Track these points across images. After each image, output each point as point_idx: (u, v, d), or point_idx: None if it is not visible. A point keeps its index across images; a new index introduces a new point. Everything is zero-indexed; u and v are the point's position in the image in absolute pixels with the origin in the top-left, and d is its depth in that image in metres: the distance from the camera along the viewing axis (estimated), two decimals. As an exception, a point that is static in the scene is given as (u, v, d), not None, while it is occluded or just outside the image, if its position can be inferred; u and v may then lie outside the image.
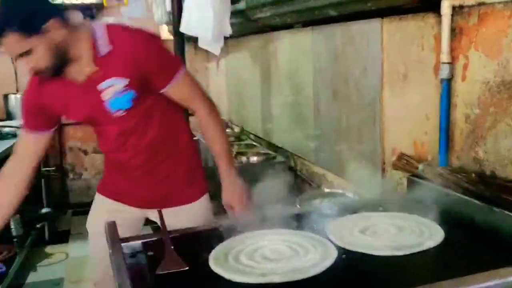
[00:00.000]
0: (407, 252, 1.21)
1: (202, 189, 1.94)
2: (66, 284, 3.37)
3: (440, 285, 0.98)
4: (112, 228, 1.43)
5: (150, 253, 1.33)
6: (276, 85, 3.15)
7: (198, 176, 1.94)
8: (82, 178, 5.05)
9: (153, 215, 1.85)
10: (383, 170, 2.03)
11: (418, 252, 1.21)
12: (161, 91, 1.71)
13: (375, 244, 1.25)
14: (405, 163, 1.75)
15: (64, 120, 1.86)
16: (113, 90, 1.63)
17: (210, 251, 1.27)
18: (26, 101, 1.80)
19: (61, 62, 1.57)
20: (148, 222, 2.00)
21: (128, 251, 1.39)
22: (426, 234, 1.29)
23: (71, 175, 5.01)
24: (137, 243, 1.40)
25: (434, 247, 1.23)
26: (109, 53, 1.61)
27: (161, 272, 1.19)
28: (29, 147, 1.81)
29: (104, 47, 1.61)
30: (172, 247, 1.30)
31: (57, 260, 3.76)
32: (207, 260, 1.22)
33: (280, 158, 3.00)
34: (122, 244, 1.38)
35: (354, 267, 1.18)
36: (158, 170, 1.84)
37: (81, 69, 1.63)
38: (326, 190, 2.26)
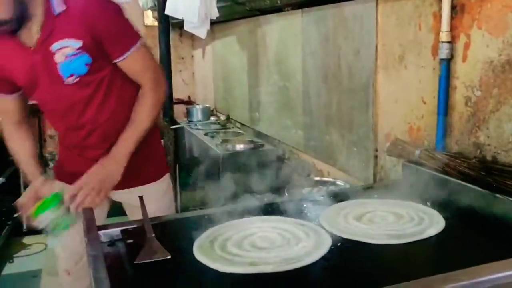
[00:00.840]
0: (407, 240, 1.13)
1: (162, 168, 1.93)
2: (44, 276, 3.25)
3: (447, 277, 0.89)
4: (88, 214, 1.32)
5: (130, 241, 1.22)
6: (264, 71, 3.04)
7: (158, 155, 1.91)
8: (62, 167, 4.90)
9: (117, 196, 1.84)
10: (376, 157, 1.95)
11: (419, 241, 1.13)
12: (116, 62, 1.64)
13: (372, 232, 1.17)
14: (400, 148, 1.66)
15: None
16: (66, 52, 1.57)
17: (194, 239, 1.17)
18: None
19: (20, 16, 1.52)
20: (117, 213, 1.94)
21: (106, 239, 1.29)
22: (426, 222, 1.21)
23: (51, 164, 4.85)
24: (116, 230, 1.30)
25: (435, 235, 1.15)
26: (63, 13, 1.56)
27: (141, 261, 1.09)
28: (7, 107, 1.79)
29: (58, 6, 1.56)
30: (153, 234, 1.20)
31: (35, 251, 3.63)
32: (191, 248, 1.13)
33: (268, 147, 2.91)
34: (99, 232, 1.28)
35: (350, 256, 1.09)
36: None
37: (35, 28, 1.57)
38: (316, 178, 2.17)
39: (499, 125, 1.37)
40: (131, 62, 1.65)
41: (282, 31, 2.74)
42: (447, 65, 1.52)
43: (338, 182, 2.09)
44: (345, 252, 1.10)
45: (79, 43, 1.56)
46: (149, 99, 1.70)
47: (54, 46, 1.56)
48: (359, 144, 2.03)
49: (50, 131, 4.79)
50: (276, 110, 2.88)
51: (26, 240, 3.82)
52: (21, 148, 1.80)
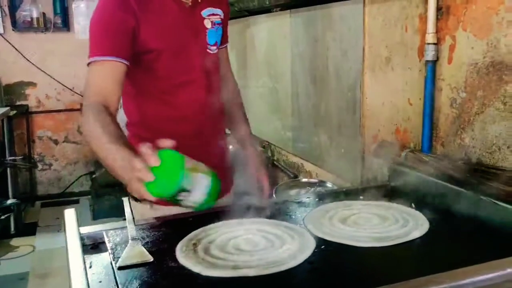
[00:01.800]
0: (391, 243, 1.12)
1: (232, 181, 1.71)
2: (31, 278, 3.22)
3: (429, 280, 0.89)
4: (70, 216, 1.31)
5: (113, 243, 1.21)
6: (253, 72, 3.04)
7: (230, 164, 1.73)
8: (51, 169, 4.87)
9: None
10: (363, 158, 1.95)
11: (403, 243, 1.12)
12: (222, 47, 1.64)
13: (357, 234, 1.16)
14: (386, 150, 1.66)
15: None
16: (214, 19, 1.54)
17: (178, 242, 1.16)
18: (110, 18, 1.38)
19: None
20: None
21: (89, 241, 1.28)
22: (411, 224, 1.21)
23: (40, 166, 4.82)
24: (99, 232, 1.29)
25: (419, 238, 1.15)
26: None
27: (122, 265, 1.08)
28: (106, 79, 1.35)
29: None
30: (137, 237, 1.19)
31: (23, 253, 3.60)
32: (174, 251, 1.12)
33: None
34: (82, 234, 1.27)
35: (335, 259, 1.08)
36: (210, 149, 1.55)
37: None
38: (304, 180, 2.17)
39: (484, 127, 1.38)
40: (225, 52, 1.68)
41: (271, 32, 2.74)
42: (432, 67, 1.53)
43: (327, 184, 2.09)
44: (330, 255, 1.09)
45: (221, 14, 1.56)
46: (238, 92, 1.73)
47: (205, 12, 1.52)
48: (347, 146, 2.03)
49: (38, 132, 4.76)
50: (265, 111, 2.88)
51: (14, 242, 3.79)
52: (104, 132, 1.26)
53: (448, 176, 1.39)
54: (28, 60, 4.55)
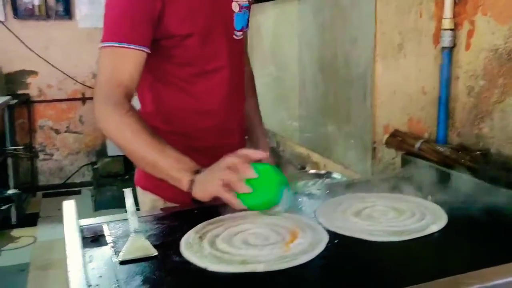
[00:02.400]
0: (408, 237, 1.06)
1: None
2: (31, 269, 3.17)
3: (461, 280, 0.83)
4: (69, 207, 1.25)
5: (114, 236, 1.15)
6: (259, 61, 2.97)
7: None
8: (53, 159, 4.81)
9: None
10: (374, 149, 1.89)
11: (421, 237, 1.06)
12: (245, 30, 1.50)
13: (372, 228, 1.10)
14: (400, 140, 1.60)
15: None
16: (241, 2, 1.40)
17: (182, 235, 1.10)
18: (136, 3, 1.25)
19: None
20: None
21: (89, 234, 1.23)
22: (428, 218, 1.14)
23: (41, 155, 4.77)
24: (99, 224, 1.23)
25: (438, 232, 1.09)
26: None
27: (124, 259, 1.02)
28: (128, 68, 1.24)
29: None
30: (140, 230, 1.13)
31: (24, 244, 3.55)
32: (178, 245, 1.06)
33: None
34: (81, 226, 1.21)
35: (349, 254, 1.02)
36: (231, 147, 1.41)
37: None
38: (312, 171, 2.11)
39: (504, 117, 1.31)
40: (245, 35, 1.54)
41: (278, 20, 2.67)
42: (449, 53, 1.46)
43: (335, 175, 2.03)
44: (343, 250, 1.03)
45: None
46: (253, 78, 1.65)
47: None
48: (357, 136, 1.97)
49: (40, 121, 4.70)
50: (271, 101, 2.81)
51: (15, 233, 3.74)
52: (147, 135, 1.19)
53: (466, 167, 1.33)
54: (30, 49, 4.49)
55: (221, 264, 0.96)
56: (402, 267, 0.98)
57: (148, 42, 1.25)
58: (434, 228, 1.09)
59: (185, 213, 1.27)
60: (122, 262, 1.01)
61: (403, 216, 1.16)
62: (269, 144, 1.62)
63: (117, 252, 1.05)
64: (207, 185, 1.07)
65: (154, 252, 1.03)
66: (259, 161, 1.10)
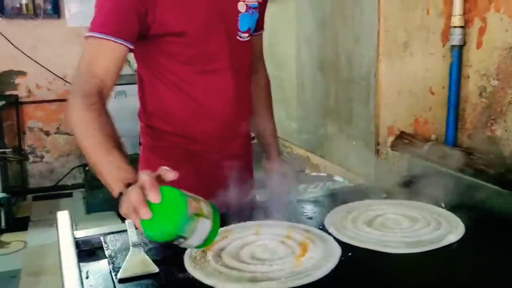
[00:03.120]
0: (425, 249, 1.00)
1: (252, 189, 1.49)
2: (23, 276, 3.08)
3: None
4: (63, 218, 1.18)
5: (113, 249, 1.08)
6: (254, 60, 2.90)
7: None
8: (43, 161, 4.71)
9: None
10: (378, 151, 1.82)
11: (438, 249, 1.00)
12: (256, 34, 1.44)
13: (386, 239, 1.04)
14: (406, 142, 1.54)
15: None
16: (249, 3, 1.33)
17: (185, 249, 1.03)
18: None
19: None
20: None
21: (86, 247, 1.15)
22: (444, 227, 1.09)
23: (31, 158, 4.66)
24: (97, 236, 1.16)
25: (456, 242, 1.03)
26: None
27: (123, 277, 0.95)
28: (105, 60, 1.18)
29: None
30: (139, 242, 1.06)
31: (14, 249, 3.45)
32: (182, 260, 0.99)
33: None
34: (77, 238, 1.14)
35: (364, 267, 0.96)
36: (232, 153, 1.38)
37: None
38: (313, 174, 2.04)
39: (519, 118, 1.25)
40: (260, 40, 1.49)
41: (275, 16, 2.59)
42: (459, 52, 1.40)
43: (336, 178, 1.96)
44: (358, 263, 0.97)
45: None
46: (269, 93, 1.56)
47: None
48: (359, 138, 1.90)
49: (29, 123, 4.60)
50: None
51: (5, 238, 3.64)
52: (100, 133, 1.09)
53: (479, 172, 1.27)
54: (18, 48, 4.38)
55: (230, 282, 0.89)
56: (421, 282, 0.92)
57: (132, 37, 1.20)
58: (452, 238, 1.03)
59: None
60: (121, 280, 0.94)
61: (418, 225, 1.10)
62: (281, 159, 1.55)
63: (115, 268, 0.98)
64: (123, 203, 0.92)
65: (155, 269, 0.96)
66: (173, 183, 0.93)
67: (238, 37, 1.33)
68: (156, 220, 0.86)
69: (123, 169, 1.00)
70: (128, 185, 0.94)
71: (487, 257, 0.99)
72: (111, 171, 1.01)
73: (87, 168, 4.42)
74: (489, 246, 1.03)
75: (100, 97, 1.15)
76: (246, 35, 1.35)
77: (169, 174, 0.93)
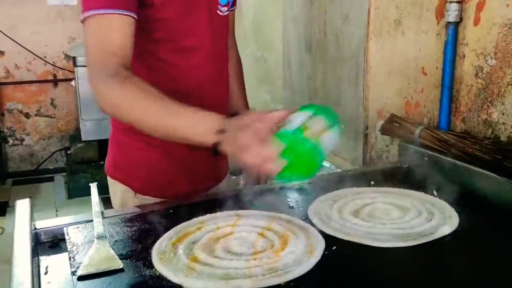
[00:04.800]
0: (417, 242, 0.91)
1: (227, 165, 1.46)
2: (-1, 263, 2.97)
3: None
4: (23, 207, 1.08)
5: (73, 243, 0.98)
6: (239, 39, 2.78)
7: None
8: (23, 144, 4.57)
9: None
10: (366, 135, 1.74)
11: (431, 241, 0.92)
12: (232, 8, 1.35)
13: (374, 231, 0.95)
14: (397, 126, 1.45)
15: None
16: None
17: (155, 241, 0.94)
18: None
19: None
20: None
21: (47, 238, 1.06)
22: (437, 217, 1.00)
23: (10, 141, 4.52)
24: (60, 227, 1.06)
25: (449, 235, 0.95)
26: None
27: (83, 274, 0.85)
28: (118, 36, 1.08)
29: None
30: (104, 235, 0.96)
31: (-10, 235, 3.35)
32: (150, 254, 0.90)
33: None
34: (38, 229, 1.05)
35: (349, 264, 0.87)
36: None
37: None
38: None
39: (518, 100, 1.17)
40: (233, 16, 1.40)
41: (260, -5, 2.48)
42: (454, 29, 1.31)
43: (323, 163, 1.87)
44: (343, 259, 0.88)
45: None
46: (240, 64, 1.50)
47: None
48: (347, 121, 1.81)
49: (8, 105, 4.45)
50: (253, 83, 2.64)
51: (-19, 223, 3.53)
52: (156, 99, 1.02)
53: (474, 158, 1.19)
54: (-5, 27, 4.22)
55: (200, 280, 0.80)
56: (411, 279, 0.83)
57: (134, 7, 1.09)
58: (446, 230, 0.95)
59: (158, 213, 1.10)
60: (81, 278, 0.85)
61: (409, 215, 1.02)
62: None
63: (75, 264, 0.89)
64: (241, 156, 0.89)
65: (119, 264, 0.87)
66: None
67: (218, 11, 1.24)
68: (295, 164, 0.88)
69: (202, 120, 0.96)
70: (220, 131, 0.92)
71: (482, 250, 0.91)
72: (190, 130, 0.97)
73: (69, 152, 4.30)
74: (484, 239, 0.95)
75: (127, 71, 1.06)
76: (226, 9, 1.25)
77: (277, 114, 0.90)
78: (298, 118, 0.90)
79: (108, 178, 1.35)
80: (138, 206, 1.18)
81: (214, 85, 1.27)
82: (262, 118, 0.91)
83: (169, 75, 1.22)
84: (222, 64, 1.30)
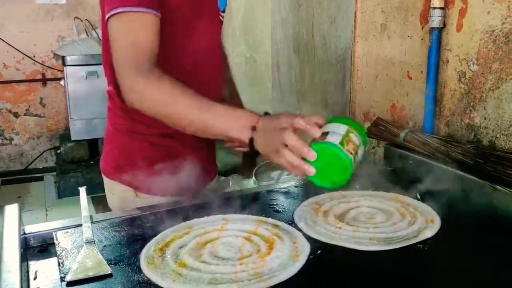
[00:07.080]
0: (400, 245, 0.94)
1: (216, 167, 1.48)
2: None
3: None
4: (12, 212, 1.09)
5: (62, 248, 0.99)
6: (228, 40, 2.79)
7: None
8: (12, 144, 4.54)
9: None
10: (353, 137, 1.76)
11: (414, 245, 0.94)
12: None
13: (359, 235, 0.97)
14: (382, 129, 1.47)
15: None
16: None
17: (144, 246, 0.96)
18: None
19: None
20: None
21: (37, 242, 1.07)
22: (420, 221, 1.03)
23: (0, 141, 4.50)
24: (49, 232, 1.07)
25: (432, 238, 0.97)
26: None
27: (72, 279, 0.86)
28: (149, 33, 1.09)
29: None
30: (93, 239, 0.98)
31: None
32: (139, 260, 0.91)
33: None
34: (28, 233, 1.05)
35: (334, 267, 0.90)
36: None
37: None
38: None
39: (499, 105, 1.19)
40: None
41: (249, -4, 2.50)
42: (438, 34, 1.33)
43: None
44: (328, 262, 0.90)
45: None
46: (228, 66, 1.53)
47: None
48: (334, 123, 1.83)
49: (-3, 103, 4.43)
50: (241, 83, 2.65)
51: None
52: (191, 96, 1.05)
53: (457, 161, 1.21)
54: (-17, 26, 4.19)
55: (187, 285, 0.82)
56: (394, 282, 0.85)
57: (158, 6, 1.11)
58: (428, 233, 0.97)
59: (147, 218, 1.11)
60: (69, 283, 0.86)
61: (392, 219, 1.04)
62: None
63: (64, 270, 0.90)
64: (275, 157, 0.98)
65: (107, 270, 0.88)
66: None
67: (220, 17, 1.27)
68: (327, 173, 0.95)
69: (235, 116, 1.01)
70: (253, 128, 0.99)
71: (464, 253, 0.93)
72: (226, 126, 1.02)
73: (58, 151, 4.28)
74: (466, 242, 0.98)
75: (158, 68, 1.08)
76: (223, 14, 1.29)
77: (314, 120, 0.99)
78: (338, 131, 0.96)
79: (105, 179, 1.35)
80: (128, 211, 1.19)
81: (211, 88, 1.27)
82: (297, 122, 0.98)
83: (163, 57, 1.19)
84: (221, 69, 1.34)
